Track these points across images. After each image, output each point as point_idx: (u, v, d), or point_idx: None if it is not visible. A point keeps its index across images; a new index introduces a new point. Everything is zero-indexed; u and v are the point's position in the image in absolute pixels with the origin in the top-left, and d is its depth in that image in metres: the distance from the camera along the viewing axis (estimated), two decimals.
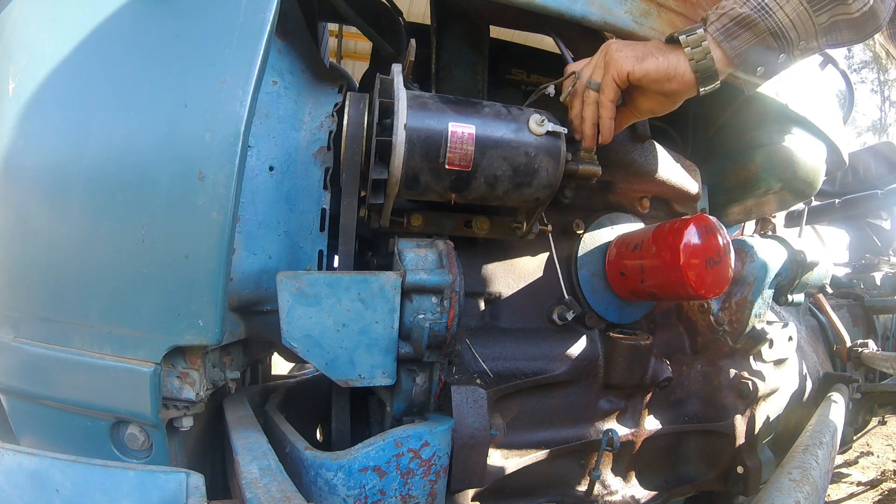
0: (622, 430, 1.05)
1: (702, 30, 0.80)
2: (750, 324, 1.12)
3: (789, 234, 1.43)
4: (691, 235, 0.89)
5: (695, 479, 1.17)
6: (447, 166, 0.79)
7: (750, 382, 1.13)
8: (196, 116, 0.76)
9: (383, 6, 1.23)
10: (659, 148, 1.06)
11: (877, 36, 1.32)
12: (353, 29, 1.20)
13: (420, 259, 0.84)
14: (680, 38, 0.80)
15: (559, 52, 0.99)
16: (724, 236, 0.92)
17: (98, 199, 0.80)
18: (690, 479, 1.17)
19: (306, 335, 0.77)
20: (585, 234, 1.09)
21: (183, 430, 0.85)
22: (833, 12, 0.77)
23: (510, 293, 1.04)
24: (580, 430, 1.03)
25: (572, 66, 0.91)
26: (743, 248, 1.14)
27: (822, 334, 1.94)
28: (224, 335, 0.79)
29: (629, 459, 1.08)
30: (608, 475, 1.07)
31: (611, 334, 1.04)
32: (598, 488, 1.04)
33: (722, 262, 0.91)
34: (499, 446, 0.95)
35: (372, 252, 1.07)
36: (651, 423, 1.09)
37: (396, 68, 0.84)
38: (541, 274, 1.07)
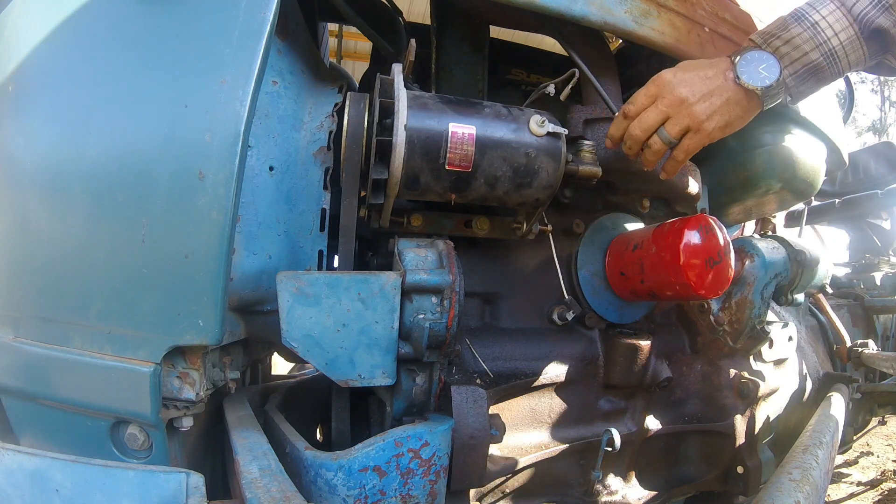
0: (622, 430, 1.04)
1: (778, 76, 0.81)
2: (750, 324, 1.12)
3: (789, 234, 1.43)
4: (691, 235, 0.89)
5: (695, 479, 1.17)
6: (447, 167, 0.79)
7: (750, 382, 1.13)
8: (196, 116, 0.76)
9: (383, 6, 1.23)
10: None
11: None
12: (353, 29, 1.20)
13: (420, 259, 0.84)
14: (760, 93, 0.82)
15: (559, 52, 0.99)
16: (724, 236, 0.92)
17: (98, 199, 0.80)
18: (690, 479, 1.17)
19: (306, 335, 0.77)
20: (585, 234, 1.09)
21: (183, 430, 0.84)
22: (883, 58, 0.84)
23: (510, 293, 1.04)
24: (580, 430, 1.03)
25: (628, 106, 0.88)
26: (743, 248, 1.14)
27: (822, 334, 1.94)
28: (224, 335, 0.79)
29: (629, 459, 1.08)
30: (608, 475, 1.07)
31: (611, 334, 1.04)
32: (598, 488, 1.04)
33: (722, 262, 0.91)
34: (499, 446, 0.95)
35: (372, 252, 1.07)
36: (651, 423, 1.09)
37: (397, 68, 0.84)
38: (541, 274, 1.07)
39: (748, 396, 1.13)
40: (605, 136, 0.94)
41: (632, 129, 0.87)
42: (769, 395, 1.23)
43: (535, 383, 0.98)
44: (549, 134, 0.84)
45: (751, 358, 1.21)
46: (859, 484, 2.59)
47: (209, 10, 0.79)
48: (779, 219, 1.93)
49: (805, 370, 1.46)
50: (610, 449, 0.98)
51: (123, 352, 0.79)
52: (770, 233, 1.76)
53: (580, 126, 0.98)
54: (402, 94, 0.78)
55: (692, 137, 0.84)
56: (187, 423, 0.84)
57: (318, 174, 0.95)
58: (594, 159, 0.91)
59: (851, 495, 2.45)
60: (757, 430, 1.16)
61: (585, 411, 1.04)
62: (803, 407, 1.42)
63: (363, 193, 0.88)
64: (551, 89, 0.90)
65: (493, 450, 0.93)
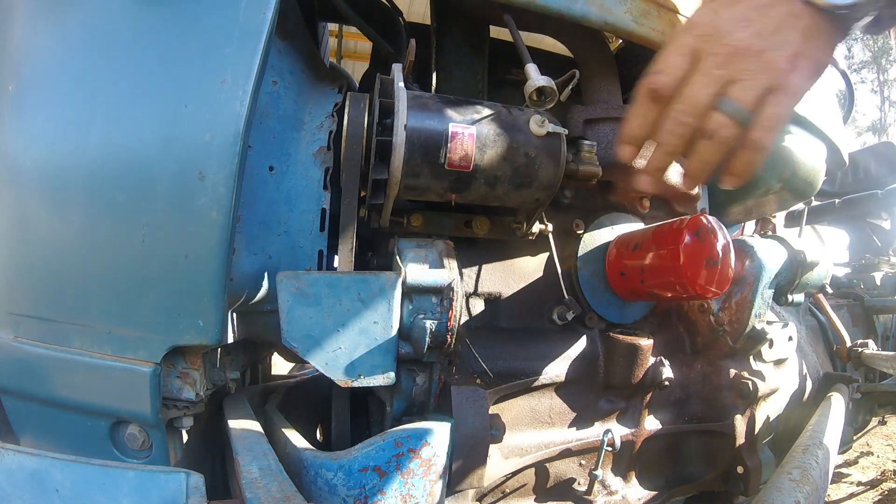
0: (622, 430, 1.05)
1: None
2: (750, 324, 1.12)
3: (789, 234, 1.43)
4: (691, 235, 0.89)
5: (695, 479, 1.17)
6: (447, 167, 0.79)
7: (750, 382, 1.13)
8: (196, 116, 0.76)
9: (383, 6, 1.23)
10: None
11: None
12: (353, 29, 1.20)
13: (420, 259, 0.84)
14: (844, 15, 0.57)
15: (559, 52, 0.99)
16: (725, 236, 0.92)
17: (98, 200, 0.80)
18: (690, 479, 1.17)
19: (306, 335, 0.77)
20: (585, 234, 1.09)
21: (183, 430, 0.85)
22: None
23: (510, 293, 1.04)
24: (580, 430, 1.03)
25: (657, 77, 0.58)
26: (743, 248, 1.14)
27: (822, 334, 1.94)
28: (224, 335, 0.79)
29: (629, 459, 1.08)
30: (608, 475, 1.07)
31: (611, 334, 1.04)
32: (597, 488, 1.04)
33: (722, 262, 0.90)
34: (499, 446, 0.95)
35: (372, 252, 1.07)
36: (651, 423, 1.09)
37: (397, 68, 0.84)
38: (541, 274, 1.07)
39: (748, 396, 1.13)
40: (619, 143, 0.69)
41: (679, 115, 0.57)
42: (769, 395, 1.23)
43: (535, 383, 0.98)
44: (549, 134, 0.84)
45: (751, 358, 1.21)
46: (859, 484, 2.59)
47: (209, 10, 0.79)
48: (779, 219, 1.93)
49: (805, 370, 1.46)
50: (610, 449, 0.98)
51: (123, 352, 0.79)
52: (770, 233, 1.76)
53: (580, 126, 0.98)
54: (402, 94, 0.78)
55: (779, 100, 0.55)
56: (187, 423, 0.84)
57: (318, 174, 0.95)
58: (594, 159, 0.91)
59: (851, 495, 2.45)
60: (757, 430, 1.16)
61: (585, 411, 1.04)
62: (803, 407, 1.42)
63: (363, 193, 0.88)
64: None
65: (493, 450, 0.93)
